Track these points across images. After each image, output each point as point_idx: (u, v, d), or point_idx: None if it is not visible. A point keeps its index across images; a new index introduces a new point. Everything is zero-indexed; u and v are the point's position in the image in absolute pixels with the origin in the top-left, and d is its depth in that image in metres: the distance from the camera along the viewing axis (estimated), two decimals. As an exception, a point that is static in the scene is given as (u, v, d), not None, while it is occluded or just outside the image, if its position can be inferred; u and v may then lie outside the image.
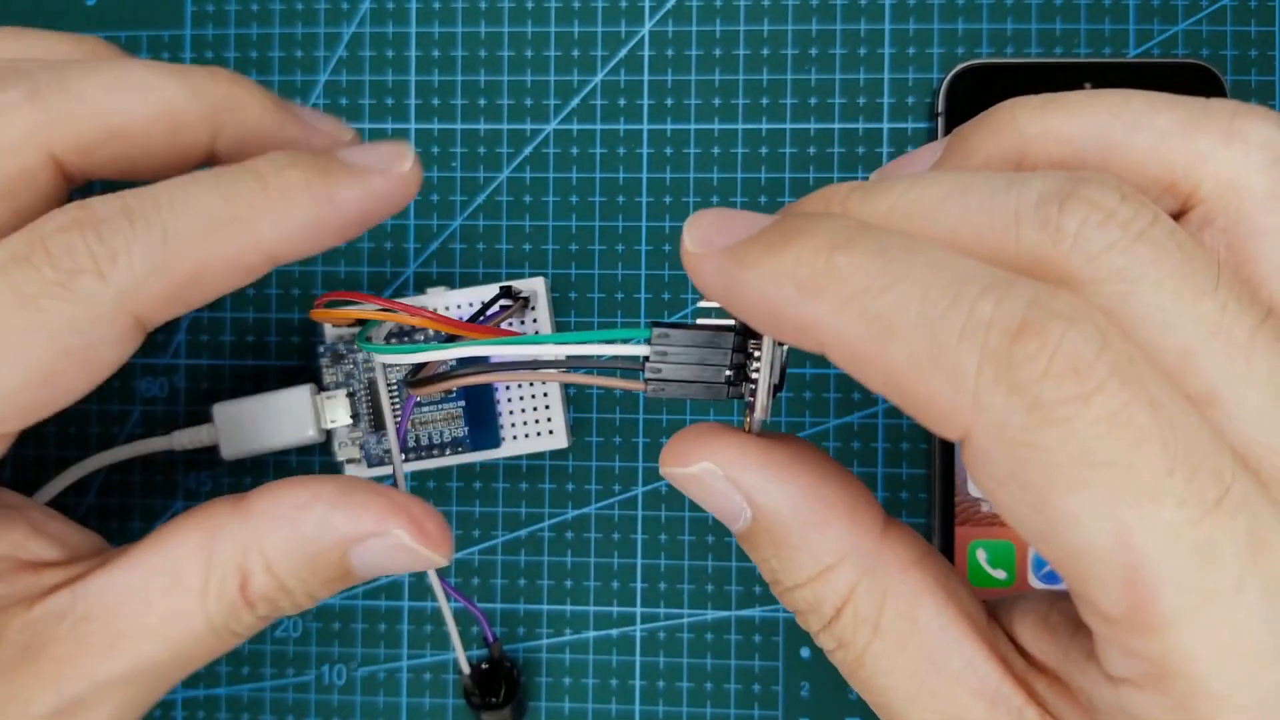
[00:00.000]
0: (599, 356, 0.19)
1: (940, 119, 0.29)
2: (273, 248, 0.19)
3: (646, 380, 0.19)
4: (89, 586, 0.20)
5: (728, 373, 0.19)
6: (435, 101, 0.31)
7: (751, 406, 0.19)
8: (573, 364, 0.20)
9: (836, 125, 0.30)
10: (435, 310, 0.28)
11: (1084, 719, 0.17)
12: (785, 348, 0.19)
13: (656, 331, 0.19)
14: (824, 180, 0.30)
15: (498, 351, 0.21)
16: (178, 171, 0.21)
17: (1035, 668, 0.18)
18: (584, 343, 0.19)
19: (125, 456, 0.28)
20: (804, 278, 0.16)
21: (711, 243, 0.17)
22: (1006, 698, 0.17)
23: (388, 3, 0.31)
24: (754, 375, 0.19)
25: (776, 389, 0.19)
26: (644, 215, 0.31)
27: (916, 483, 0.30)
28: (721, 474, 0.18)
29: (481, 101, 0.31)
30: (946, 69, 0.30)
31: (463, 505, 0.31)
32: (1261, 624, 0.14)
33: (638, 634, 0.31)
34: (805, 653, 0.30)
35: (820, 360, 0.30)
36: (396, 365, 0.28)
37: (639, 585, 0.31)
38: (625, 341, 0.19)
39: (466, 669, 0.28)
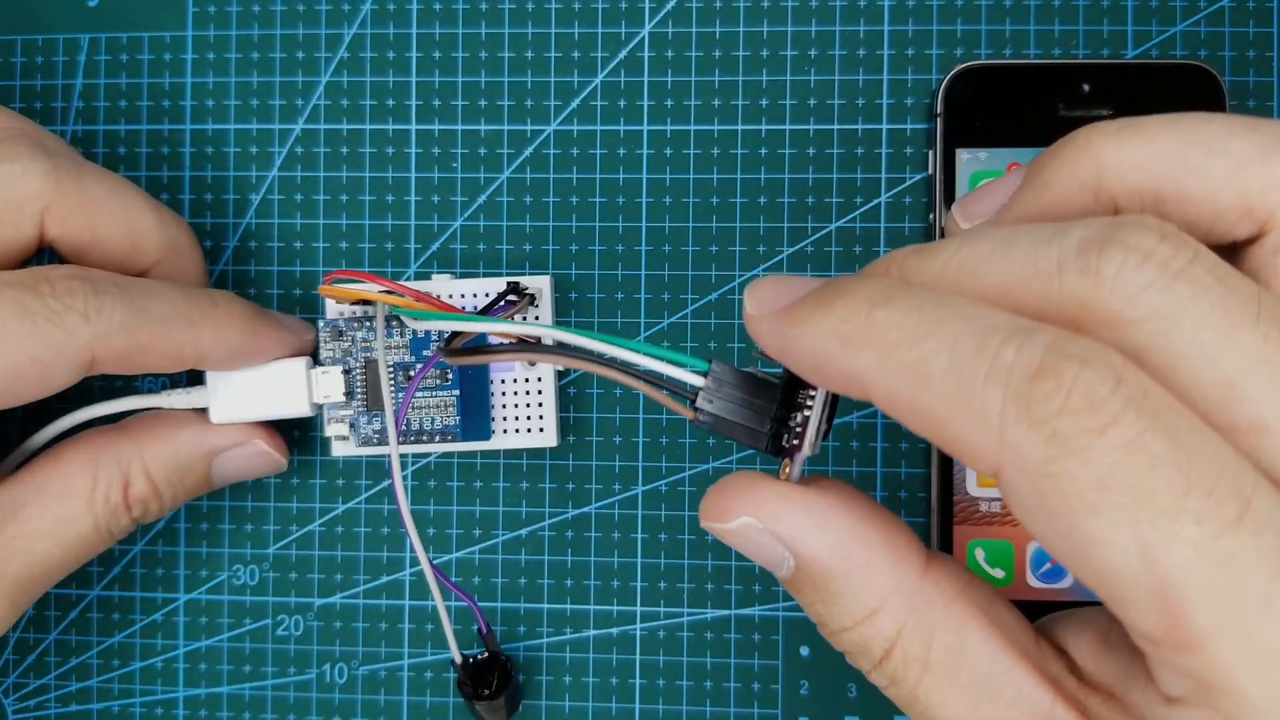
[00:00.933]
0: (651, 370, 0.21)
1: (939, 120, 0.29)
2: (204, 349, 0.26)
3: (696, 409, 0.20)
4: None
5: (770, 424, 0.20)
6: (436, 102, 0.31)
7: (794, 449, 0.20)
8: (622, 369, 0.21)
9: (835, 126, 0.30)
10: (439, 297, 0.28)
11: None
12: (834, 401, 0.20)
13: (715, 366, 0.20)
14: (823, 181, 0.30)
15: (553, 338, 0.22)
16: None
17: (1089, 686, 0.18)
18: (645, 355, 0.20)
19: (113, 410, 0.28)
20: (847, 333, 0.17)
21: (767, 305, 0.19)
22: (1059, 719, 0.18)
23: (389, 4, 0.31)
24: (804, 415, 0.20)
25: (824, 434, 0.20)
26: (644, 216, 0.31)
27: (915, 482, 0.30)
28: (761, 527, 0.19)
29: (482, 102, 0.31)
30: (945, 70, 0.30)
31: (463, 504, 0.31)
32: None
33: (638, 633, 0.31)
34: (805, 651, 0.30)
35: (819, 360, 0.30)
36: (400, 346, 0.29)
37: (639, 584, 0.31)
38: (684, 367, 0.20)
39: (459, 659, 0.28)
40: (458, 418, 0.28)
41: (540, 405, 0.29)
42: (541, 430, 0.29)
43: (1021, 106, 0.29)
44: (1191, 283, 0.16)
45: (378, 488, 0.31)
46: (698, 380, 0.20)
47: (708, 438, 0.31)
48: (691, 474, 0.31)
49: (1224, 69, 0.30)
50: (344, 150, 0.31)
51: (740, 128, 0.31)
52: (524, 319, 0.29)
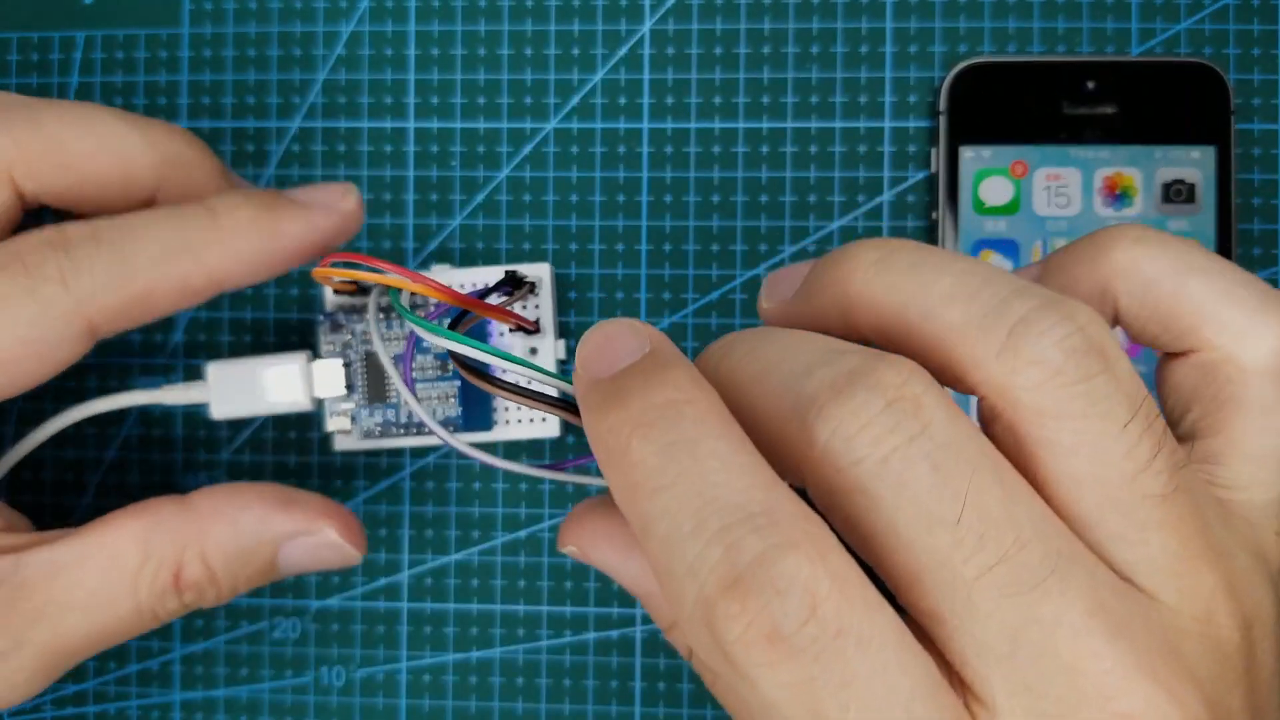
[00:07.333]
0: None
1: (942, 117, 0.29)
2: (218, 274, 0.23)
3: None
4: (30, 557, 0.23)
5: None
6: (434, 100, 0.31)
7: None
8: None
9: (838, 124, 0.30)
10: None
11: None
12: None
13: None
14: (825, 179, 0.30)
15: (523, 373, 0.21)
16: (123, 209, 0.24)
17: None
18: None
19: (106, 409, 0.28)
20: (608, 448, 0.17)
21: (588, 366, 0.18)
22: None
23: (386, 1, 0.31)
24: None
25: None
26: (644, 214, 0.31)
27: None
28: (581, 554, 0.21)
29: (481, 100, 0.31)
30: (948, 67, 0.30)
31: (462, 505, 0.31)
32: None
33: (638, 635, 0.30)
34: (806, 654, 0.30)
35: (821, 360, 0.30)
36: (398, 338, 0.28)
37: (639, 586, 0.31)
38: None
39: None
40: (460, 409, 0.28)
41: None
42: (545, 419, 0.29)
43: (1025, 104, 0.29)
44: (899, 467, 0.16)
45: (375, 489, 0.31)
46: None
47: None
48: (692, 475, 0.30)
49: (1228, 67, 0.30)
50: (341, 148, 0.31)
51: (742, 125, 0.30)
52: (524, 307, 0.28)
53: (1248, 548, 0.18)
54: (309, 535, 0.25)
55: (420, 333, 0.22)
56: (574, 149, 0.31)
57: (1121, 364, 0.16)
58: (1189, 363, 0.19)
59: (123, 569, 0.23)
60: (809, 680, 0.15)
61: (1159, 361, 0.20)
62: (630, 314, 0.31)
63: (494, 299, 0.27)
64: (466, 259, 0.31)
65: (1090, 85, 0.29)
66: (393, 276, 0.23)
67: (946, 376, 0.18)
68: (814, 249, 0.30)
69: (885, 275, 0.18)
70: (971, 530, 0.16)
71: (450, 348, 0.20)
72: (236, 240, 0.23)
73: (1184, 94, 0.29)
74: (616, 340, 0.18)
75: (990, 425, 0.17)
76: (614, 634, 0.31)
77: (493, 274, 0.28)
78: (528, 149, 0.31)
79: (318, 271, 0.25)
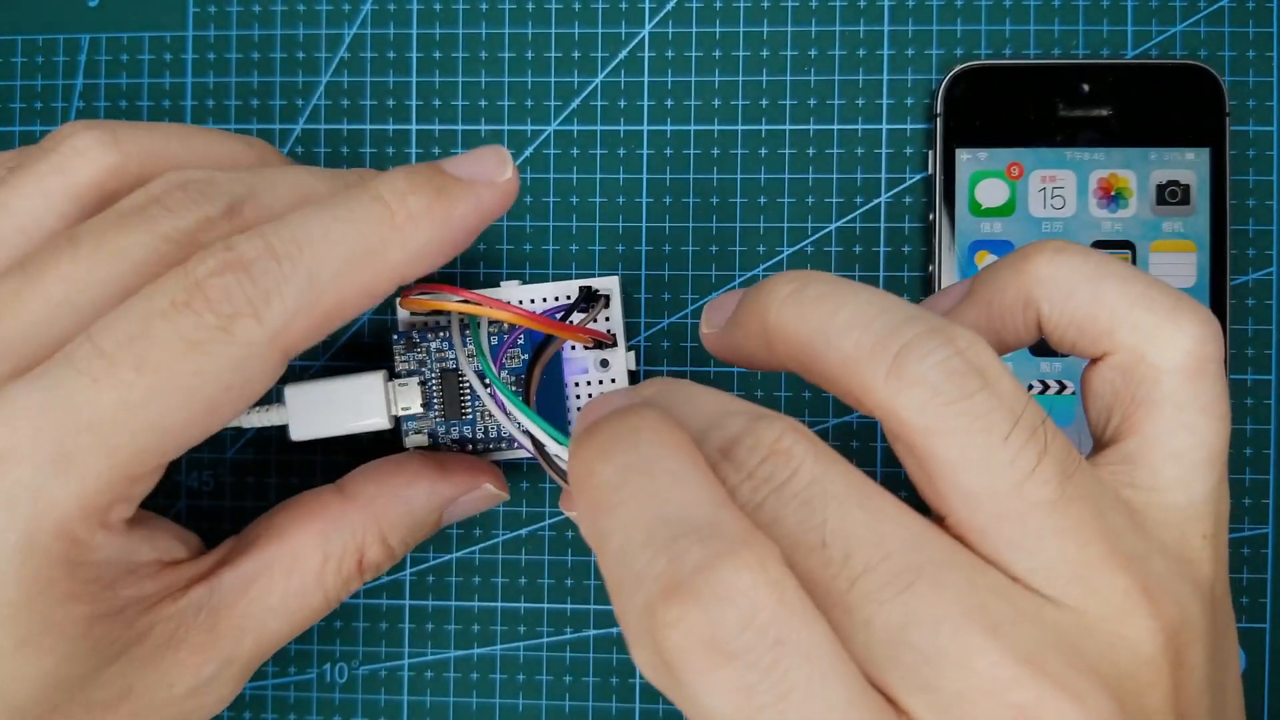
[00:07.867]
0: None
1: (939, 120, 0.29)
2: (400, 272, 0.22)
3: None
4: (222, 580, 0.24)
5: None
6: (436, 103, 0.31)
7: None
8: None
9: (835, 126, 0.30)
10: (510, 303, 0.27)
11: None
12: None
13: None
14: (823, 181, 0.30)
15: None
16: None
17: None
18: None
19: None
20: (578, 478, 0.18)
21: (580, 423, 0.20)
22: None
23: (389, 4, 0.31)
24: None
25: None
26: (644, 216, 0.31)
27: (915, 482, 0.30)
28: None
29: (482, 103, 0.31)
30: (945, 70, 0.30)
31: (464, 504, 0.31)
32: None
33: (638, 632, 0.31)
34: (804, 651, 0.30)
35: (819, 360, 0.30)
36: (475, 355, 0.28)
37: (639, 584, 0.31)
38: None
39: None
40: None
41: None
42: None
43: (1021, 106, 0.29)
44: (773, 507, 0.17)
45: (378, 487, 0.31)
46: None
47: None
48: (691, 474, 0.31)
49: (1224, 69, 0.30)
50: (344, 150, 0.31)
51: (740, 128, 0.31)
52: (594, 322, 0.28)
53: (1167, 552, 0.18)
54: (473, 492, 0.27)
55: (508, 405, 0.25)
56: (574, 151, 0.31)
57: (1003, 382, 0.17)
58: (1107, 366, 0.20)
59: (306, 570, 0.25)
60: (747, 688, 0.15)
61: (1083, 371, 0.21)
62: (630, 315, 0.31)
63: (575, 317, 0.27)
64: (468, 260, 0.31)
65: (1085, 88, 0.29)
66: (484, 307, 0.24)
67: (851, 400, 0.19)
68: (812, 250, 0.31)
69: (796, 307, 0.19)
70: (837, 549, 0.17)
71: (528, 428, 0.24)
72: (416, 235, 0.21)
73: (1179, 96, 0.29)
74: (610, 400, 0.20)
75: (894, 445, 0.18)
76: (615, 630, 0.31)
77: (561, 288, 0.28)
78: (529, 151, 0.31)
79: (406, 301, 0.26)
